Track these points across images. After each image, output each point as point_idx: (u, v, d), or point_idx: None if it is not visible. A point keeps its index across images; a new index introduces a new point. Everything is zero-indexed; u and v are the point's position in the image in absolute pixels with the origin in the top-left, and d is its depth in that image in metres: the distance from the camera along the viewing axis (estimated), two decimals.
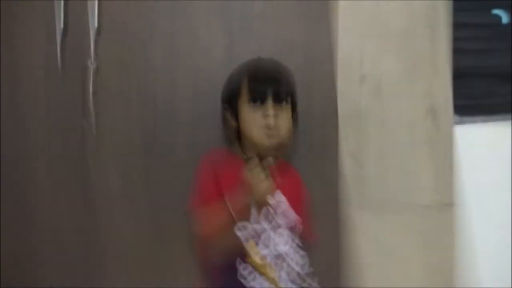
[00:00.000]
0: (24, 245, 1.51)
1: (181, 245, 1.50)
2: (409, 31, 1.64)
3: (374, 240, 1.60)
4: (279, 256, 1.33)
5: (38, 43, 1.51)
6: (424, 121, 1.64)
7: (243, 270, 1.29)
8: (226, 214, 1.25)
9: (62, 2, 1.49)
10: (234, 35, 1.56)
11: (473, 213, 1.67)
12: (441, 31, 1.65)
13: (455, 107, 1.68)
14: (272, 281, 1.26)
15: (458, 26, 1.71)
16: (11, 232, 1.50)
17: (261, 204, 1.29)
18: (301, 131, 1.51)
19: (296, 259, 1.36)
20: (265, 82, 1.33)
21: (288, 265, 1.34)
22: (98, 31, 1.51)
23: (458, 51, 1.70)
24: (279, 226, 1.35)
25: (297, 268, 1.35)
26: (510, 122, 1.76)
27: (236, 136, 1.41)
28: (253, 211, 1.30)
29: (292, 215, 1.38)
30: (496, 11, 1.85)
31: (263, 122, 1.31)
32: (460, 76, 1.71)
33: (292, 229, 1.37)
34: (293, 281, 1.34)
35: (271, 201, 1.33)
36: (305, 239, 1.42)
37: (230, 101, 1.38)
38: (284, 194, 1.38)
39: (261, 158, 1.30)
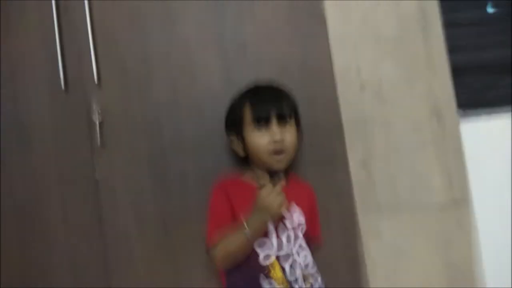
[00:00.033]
0: (33, 252, 1.56)
1: (196, 277, 1.53)
2: (401, 35, 1.66)
3: (390, 243, 1.60)
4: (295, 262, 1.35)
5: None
6: (429, 122, 1.65)
7: (268, 285, 1.31)
8: (243, 242, 1.29)
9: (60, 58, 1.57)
10: (230, 63, 1.61)
11: (482, 208, 1.67)
12: (434, 31, 1.67)
13: (457, 104, 1.70)
14: None
15: (452, 24, 1.73)
16: (19, 244, 1.55)
17: (277, 219, 1.32)
18: (309, 145, 1.55)
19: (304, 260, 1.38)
20: (266, 104, 1.36)
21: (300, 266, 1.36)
22: (99, 82, 1.58)
23: (456, 48, 1.72)
24: (302, 247, 1.38)
25: (304, 268, 1.37)
26: (511, 114, 1.76)
27: (244, 163, 1.45)
28: (271, 227, 1.34)
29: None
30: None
31: (271, 148, 1.34)
32: (459, 73, 1.73)
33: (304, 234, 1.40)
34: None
35: (287, 215, 1.36)
36: (314, 243, 1.46)
37: (235, 128, 1.41)
38: (298, 205, 1.41)
39: (271, 175, 1.33)
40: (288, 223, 1.37)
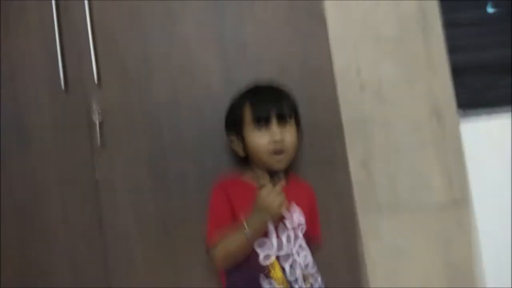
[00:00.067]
0: (33, 251, 1.56)
1: (196, 278, 1.54)
2: (401, 35, 1.67)
3: (390, 243, 1.60)
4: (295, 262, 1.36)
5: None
6: (429, 122, 1.65)
7: (268, 285, 1.31)
8: (244, 242, 1.29)
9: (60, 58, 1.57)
10: (230, 63, 1.61)
11: (482, 208, 1.67)
12: (433, 31, 1.67)
13: (457, 104, 1.70)
14: None
15: (452, 24, 1.74)
16: (19, 243, 1.56)
17: (277, 219, 1.33)
18: (309, 145, 1.56)
19: (304, 260, 1.38)
20: (267, 106, 1.36)
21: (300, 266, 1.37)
22: (99, 82, 1.58)
23: (456, 48, 1.72)
24: (301, 248, 1.38)
25: (304, 268, 1.37)
26: (511, 114, 1.76)
27: (244, 163, 1.45)
28: (271, 227, 1.34)
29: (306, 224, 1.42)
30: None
31: (271, 148, 1.34)
32: (460, 73, 1.73)
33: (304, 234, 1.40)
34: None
35: (287, 215, 1.36)
36: (314, 243, 1.47)
37: (235, 128, 1.41)
38: (298, 205, 1.41)
39: (271, 174, 1.33)
40: (288, 223, 1.37)
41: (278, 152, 1.35)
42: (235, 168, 1.52)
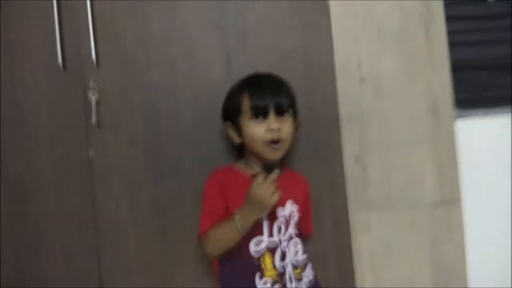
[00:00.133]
0: (25, 231, 1.56)
1: (188, 265, 1.56)
2: (403, 30, 1.65)
3: (382, 239, 1.62)
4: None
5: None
6: (426, 119, 1.65)
7: (263, 285, 1.33)
8: (236, 231, 1.29)
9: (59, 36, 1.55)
10: (231, 50, 1.59)
11: (476, 207, 1.68)
12: (436, 28, 1.66)
13: (455, 101, 1.70)
14: None
15: (453, 19, 1.71)
16: (13, 235, 1.55)
17: (272, 216, 1.33)
18: (305, 137, 1.56)
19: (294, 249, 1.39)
20: (265, 96, 1.35)
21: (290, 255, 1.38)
22: (98, 62, 1.56)
23: (455, 44, 1.71)
24: (292, 237, 1.39)
25: (294, 256, 1.38)
26: (510, 114, 1.76)
27: (240, 151, 1.45)
28: (265, 225, 1.35)
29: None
30: None
31: (267, 137, 1.34)
32: (459, 70, 1.72)
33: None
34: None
35: (283, 212, 1.37)
36: (305, 232, 1.49)
37: (232, 118, 1.41)
38: (292, 196, 1.41)
39: (265, 165, 1.32)
40: (279, 212, 1.38)
41: (274, 141, 1.35)
42: (230, 155, 1.53)
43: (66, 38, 1.55)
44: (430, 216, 1.63)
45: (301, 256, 1.39)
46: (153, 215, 1.56)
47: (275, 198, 1.28)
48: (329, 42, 1.62)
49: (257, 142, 1.36)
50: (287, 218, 1.39)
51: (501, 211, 1.74)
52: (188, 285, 1.55)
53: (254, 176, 1.31)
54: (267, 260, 1.34)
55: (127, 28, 1.58)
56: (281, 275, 1.34)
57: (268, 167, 1.30)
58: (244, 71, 1.46)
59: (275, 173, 1.30)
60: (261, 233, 1.35)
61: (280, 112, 1.36)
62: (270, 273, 1.33)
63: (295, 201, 1.42)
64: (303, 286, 1.37)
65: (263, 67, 1.49)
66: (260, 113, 1.34)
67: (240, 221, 1.28)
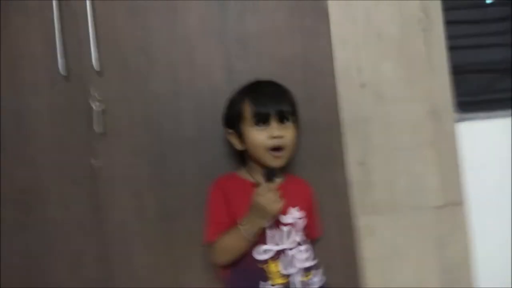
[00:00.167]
0: (31, 239, 1.56)
1: (195, 271, 1.56)
2: (403, 36, 1.66)
3: (388, 243, 1.62)
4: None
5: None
6: (427, 123, 1.65)
7: (264, 280, 1.33)
8: (242, 240, 1.30)
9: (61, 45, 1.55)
10: (231, 57, 1.60)
11: (480, 209, 1.68)
12: (435, 32, 1.67)
13: (456, 105, 1.70)
14: None
15: (453, 24, 1.72)
16: (20, 244, 1.55)
17: (276, 224, 1.33)
18: (307, 143, 1.56)
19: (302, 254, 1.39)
20: (267, 103, 1.35)
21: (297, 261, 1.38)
22: (100, 71, 1.56)
23: (455, 48, 1.72)
24: (298, 244, 1.39)
25: (302, 262, 1.38)
26: (511, 117, 1.76)
27: (242, 158, 1.45)
28: (271, 233, 1.35)
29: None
30: None
31: (269, 144, 1.34)
32: (459, 73, 1.73)
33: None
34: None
35: (287, 220, 1.37)
36: (314, 236, 1.50)
37: (233, 125, 1.41)
38: (296, 202, 1.42)
39: (268, 172, 1.32)
40: (283, 219, 1.37)
41: (276, 148, 1.35)
42: (233, 162, 1.53)
43: (68, 47, 1.56)
44: (435, 219, 1.63)
45: (308, 262, 1.39)
46: (158, 222, 1.56)
47: (279, 206, 1.28)
48: (329, 48, 1.62)
49: (259, 149, 1.36)
50: (292, 225, 1.38)
51: (504, 212, 1.74)
52: None
53: (257, 185, 1.31)
54: (274, 268, 1.33)
55: (129, 37, 1.58)
56: (289, 282, 1.33)
57: (270, 175, 1.30)
58: (245, 78, 1.46)
59: (278, 180, 1.30)
60: (266, 242, 1.34)
61: (282, 119, 1.36)
62: (277, 280, 1.33)
63: (299, 208, 1.42)
64: None
65: (264, 74, 1.49)
66: (262, 120, 1.34)
67: (245, 230, 1.29)
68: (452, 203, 1.64)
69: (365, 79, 1.64)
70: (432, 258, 1.63)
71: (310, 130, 1.56)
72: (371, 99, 1.65)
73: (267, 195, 1.27)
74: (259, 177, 1.35)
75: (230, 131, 1.42)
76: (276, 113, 1.35)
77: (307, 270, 1.38)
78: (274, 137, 1.34)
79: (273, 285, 1.32)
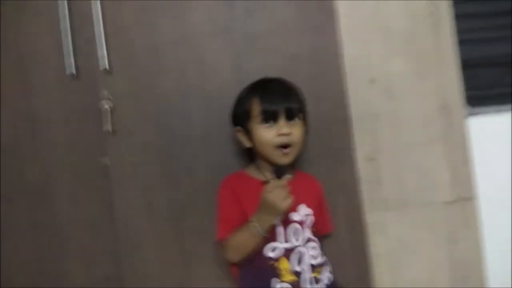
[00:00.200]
0: (43, 238, 1.58)
1: (207, 268, 1.56)
2: (412, 30, 1.65)
3: (398, 239, 1.62)
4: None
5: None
6: (437, 118, 1.65)
7: (275, 277, 1.33)
8: (253, 237, 1.30)
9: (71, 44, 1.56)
10: (240, 55, 1.60)
11: (491, 204, 1.68)
12: (445, 27, 1.66)
13: (466, 99, 1.69)
14: None
15: (462, 17, 1.72)
16: (33, 242, 1.57)
17: (283, 213, 1.33)
18: (317, 139, 1.56)
19: (312, 251, 1.40)
20: (276, 101, 1.35)
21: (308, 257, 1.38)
22: (110, 70, 1.57)
23: (465, 42, 1.71)
24: (308, 240, 1.39)
25: (312, 259, 1.38)
26: None
27: (250, 155, 1.45)
28: (280, 230, 1.35)
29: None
30: None
31: (277, 141, 1.34)
32: (469, 67, 1.72)
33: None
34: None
35: (296, 216, 1.37)
36: (324, 232, 1.51)
37: (241, 122, 1.40)
38: (305, 198, 1.42)
39: (276, 169, 1.32)
40: (294, 215, 1.38)
41: (284, 145, 1.35)
42: (242, 159, 1.53)
43: (77, 47, 1.56)
44: (446, 214, 1.63)
45: (319, 259, 1.39)
46: (168, 220, 1.57)
47: (288, 202, 1.28)
48: (338, 43, 1.62)
49: (267, 146, 1.35)
50: (301, 222, 1.39)
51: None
52: None
53: (266, 183, 1.31)
54: (284, 265, 1.34)
55: (137, 36, 1.59)
56: (299, 279, 1.34)
57: (278, 172, 1.30)
58: (254, 76, 1.46)
59: (286, 177, 1.30)
60: (276, 239, 1.35)
61: (290, 116, 1.35)
62: (287, 277, 1.33)
63: (308, 205, 1.42)
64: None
65: (272, 71, 1.49)
66: (270, 117, 1.34)
67: (256, 227, 1.29)
68: (463, 198, 1.64)
69: (374, 75, 1.64)
70: (442, 254, 1.63)
71: (319, 127, 1.55)
72: (380, 94, 1.64)
73: (276, 192, 1.27)
74: (268, 175, 1.35)
75: (238, 128, 1.42)
76: (284, 111, 1.34)
77: (317, 266, 1.38)
78: (282, 134, 1.34)
79: (283, 282, 1.32)
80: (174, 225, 1.57)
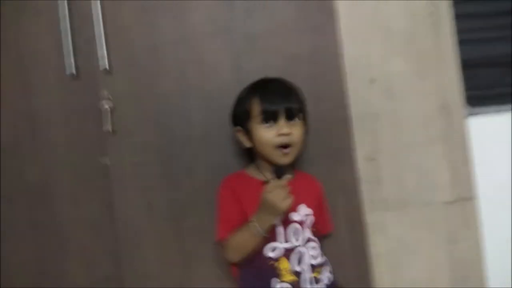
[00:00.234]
0: (43, 238, 1.58)
1: (206, 268, 1.56)
2: (412, 30, 1.66)
3: (398, 239, 1.62)
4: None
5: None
6: (437, 118, 1.65)
7: (275, 277, 1.33)
8: (253, 237, 1.30)
9: (71, 44, 1.56)
10: (240, 55, 1.60)
11: (491, 204, 1.68)
12: (445, 27, 1.66)
13: (466, 99, 1.69)
14: None
15: (462, 17, 1.72)
16: (33, 242, 1.57)
17: (283, 213, 1.33)
18: (317, 139, 1.56)
19: (312, 251, 1.40)
20: (275, 101, 1.35)
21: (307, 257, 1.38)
22: (109, 70, 1.57)
23: (465, 42, 1.71)
24: (308, 240, 1.39)
25: (312, 259, 1.38)
26: None
27: (250, 155, 1.45)
28: (280, 230, 1.35)
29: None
30: None
31: (277, 141, 1.34)
32: (469, 67, 1.72)
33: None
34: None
35: (296, 217, 1.37)
36: (324, 232, 1.51)
37: (241, 122, 1.40)
38: (305, 198, 1.42)
39: (276, 169, 1.32)
40: (294, 215, 1.38)
41: (284, 145, 1.35)
42: (242, 159, 1.53)
43: (77, 46, 1.56)
44: (446, 214, 1.63)
45: (319, 259, 1.39)
46: (168, 220, 1.57)
47: (288, 202, 1.28)
48: (338, 43, 1.62)
49: (267, 146, 1.35)
50: (301, 222, 1.39)
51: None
52: None
53: (266, 183, 1.31)
54: (284, 265, 1.34)
55: (137, 36, 1.59)
56: (299, 279, 1.34)
57: (278, 172, 1.30)
58: (254, 76, 1.45)
59: (286, 177, 1.30)
60: (276, 239, 1.35)
61: (290, 116, 1.35)
62: (287, 277, 1.33)
63: (308, 205, 1.42)
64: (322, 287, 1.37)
65: (272, 71, 1.49)
66: (270, 117, 1.34)
67: (256, 227, 1.29)
68: (463, 198, 1.64)
69: (374, 75, 1.64)
70: (442, 254, 1.63)
71: (319, 127, 1.55)
72: (380, 94, 1.64)
73: (276, 192, 1.27)
74: (268, 175, 1.35)
75: (238, 128, 1.42)
76: (284, 111, 1.34)
77: (317, 266, 1.38)
78: (282, 134, 1.34)
79: (283, 282, 1.33)
80: (174, 225, 1.57)
